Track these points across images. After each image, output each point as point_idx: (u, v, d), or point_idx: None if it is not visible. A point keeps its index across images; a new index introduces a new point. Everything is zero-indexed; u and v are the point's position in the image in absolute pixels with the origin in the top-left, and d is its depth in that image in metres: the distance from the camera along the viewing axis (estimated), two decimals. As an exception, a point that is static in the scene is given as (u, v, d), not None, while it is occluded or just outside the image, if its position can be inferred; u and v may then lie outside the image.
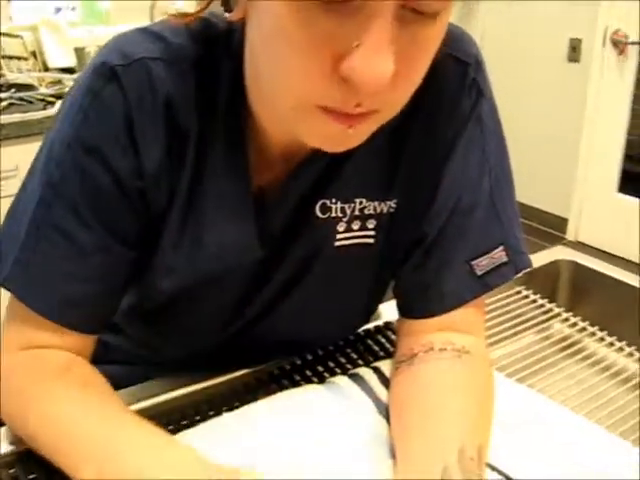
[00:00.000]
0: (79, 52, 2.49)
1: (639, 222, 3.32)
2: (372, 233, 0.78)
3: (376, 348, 0.91)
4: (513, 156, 0.81)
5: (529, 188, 3.74)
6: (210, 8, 0.65)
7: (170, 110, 0.68)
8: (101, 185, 0.68)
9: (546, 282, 1.17)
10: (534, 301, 1.13)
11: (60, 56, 2.46)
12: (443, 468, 0.63)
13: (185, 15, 0.67)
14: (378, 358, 0.88)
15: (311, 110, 0.57)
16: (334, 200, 0.74)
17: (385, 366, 0.83)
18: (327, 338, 0.90)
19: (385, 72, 0.52)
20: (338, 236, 0.77)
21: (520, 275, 0.81)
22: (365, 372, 0.82)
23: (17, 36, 2.41)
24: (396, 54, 0.52)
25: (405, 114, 0.64)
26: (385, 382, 0.80)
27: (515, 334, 1.04)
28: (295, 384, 0.83)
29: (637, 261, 3.29)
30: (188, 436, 0.72)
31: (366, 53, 0.51)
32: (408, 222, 0.78)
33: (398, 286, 0.83)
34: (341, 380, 0.81)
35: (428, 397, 0.73)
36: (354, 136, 0.59)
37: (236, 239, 0.74)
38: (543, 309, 1.12)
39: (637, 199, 3.41)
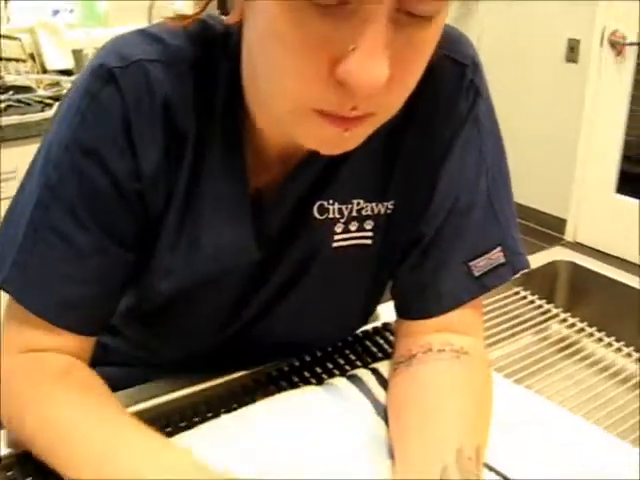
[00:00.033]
0: (77, 54, 2.49)
1: (637, 222, 3.32)
2: (370, 234, 0.78)
3: (374, 349, 0.91)
4: (511, 157, 0.81)
5: (527, 189, 3.74)
6: (207, 10, 0.65)
7: (168, 112, 0.68)
8: (99, 187, 0.68)
9: (544, 283, 1.17)
10: (532, 302, 1.13)
11: (58, 58, 2.45)
12: (442, 468, 0.63)
13: (182, 17, 0.67)
14: (376, 359, 0.88)
15: (307, 113, 0.57)
16: (331, 201, 0.75)
17: (383, 367, 0.83)
18: (325, 339, 0.90)
19: (380, 76, 0.52)
20: (336, 237, 0.77)
21: (518, 276, 0.81)
22: (363, 373, 0.82)
23: (15, 38, 2.41)
24: (391, 57, 0.52)
25: (402, 115, 0.64)
26: (383, 383, 0.80)
27: (513, 335, 1.04)
28: (293, 386, 0.83)
29: (635, 261, 3.29)
30: (186, 438, 0.72)
31: (361, 57, 0.51)
32: (406, 223, 0.78)
33: (395, 287, 0.83)
34: (339, 382, 0.81)
35: (426, 398, 0.73)
36: (350, 139, 0.59)
37: (233, 241, 0.74)
38: (541, 310, 1.12)
39: (635, 200, 3.42)
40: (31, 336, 0.71)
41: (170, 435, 0.72)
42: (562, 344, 1.03)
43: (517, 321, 1.07)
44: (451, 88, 0.75)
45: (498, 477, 0.69)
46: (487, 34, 3.92)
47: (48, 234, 0.68)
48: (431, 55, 0.58)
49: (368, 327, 0.95)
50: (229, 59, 0.68)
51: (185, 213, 0.72)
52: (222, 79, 0.69)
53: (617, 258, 3.38)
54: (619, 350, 1.04)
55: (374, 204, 0.77)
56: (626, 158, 3.49)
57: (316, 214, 0.75)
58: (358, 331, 0.94)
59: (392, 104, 0.59)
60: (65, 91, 0.72)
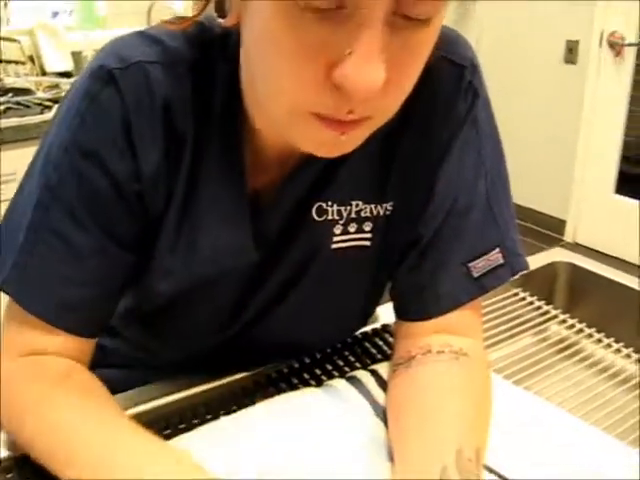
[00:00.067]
0: (76, 56, 2.49)
1: (637, 223, 3.32)
2: (368, 235, 0.78)
3: (373, 351, 0.91)
4: (510, 158, 0.81)
5: (526, 189, 3.74)
6: (206, 12, 0.65)
7: (168, 113, 0.68)
8: (99, 188, 0.68)
9: (543, 284, 1.17)
10: (531, 303, 1.13)
11: (57, 60, 2.46)
12: (441, 469, 0.63)
13: (180, 20, 0.67)
14: (376, 361, 0.88)
15: (304, 116, 0.57)
16: (330, 203, 0.75)
17: (383, 369, 0.83)
18: (324, 341, 0.90)
19: (376, 80, 0.52)
20: (335, 239, 0.77)
21: (517, 277, 0.80)
22: (363, 375, 0.82)
23: (14, 40, 2.41)
24: (387, 61, 0.52)
25: (400, 117, 0.64)
26: (383, 385, 0.80)
27: (512, 336, 1.04)
28: (293, 387, 0.83)
29: (635, 262, 3.29)
30: (186, 440, 0.72)
31: (358, 61, 0.51)
32: (404, 224, 0.78)
33: (394, 288, 0.83)
34: (339, 383, 0.81)
35: (426, 399, 0.73)
36: (347, 142, 0.59)
37: (232, 242, 0.74)
38: (540, 311, 1.12)
39: (634, 200, 3.42)
40: (31, 338, 0.71)
41: (169, 437, 0.72)
42: (561, 345, 1.03)
43: (516, 322, 1.07)
44: (449, 89, 0.75)
45: (497, 478, 0.69)
46: (486, 35, 3.92)
47: (48, 235, 0.69)
48: (428, 57, 0.58)
49: (367, 328, 0.95)
50: (227, 61, 0.68)
51: (184, 214, 0.72)
52: (220, 81, 0.69)
53: (616, 259, 3.38)
54: (618, 351, 1.04)
55: (373, 205, 0.77)
56: (625, 159, 3.49)
57: (315, 216, 0.75)
58: (357, 332, 0.94)
59: (389, 107, 0.59)
60: (64, 93, 0.72)
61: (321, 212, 0.75)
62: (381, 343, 0.92)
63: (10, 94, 2.19)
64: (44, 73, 2.44)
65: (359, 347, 0.92)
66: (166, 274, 0.75)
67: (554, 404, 0.83)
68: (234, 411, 0.77)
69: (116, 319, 0.80)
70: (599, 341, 1.06)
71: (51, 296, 0.70)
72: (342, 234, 0.77)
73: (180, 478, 0.61)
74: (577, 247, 3.65)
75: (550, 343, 1.03)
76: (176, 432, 0.74)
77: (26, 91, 2.26)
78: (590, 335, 1.07)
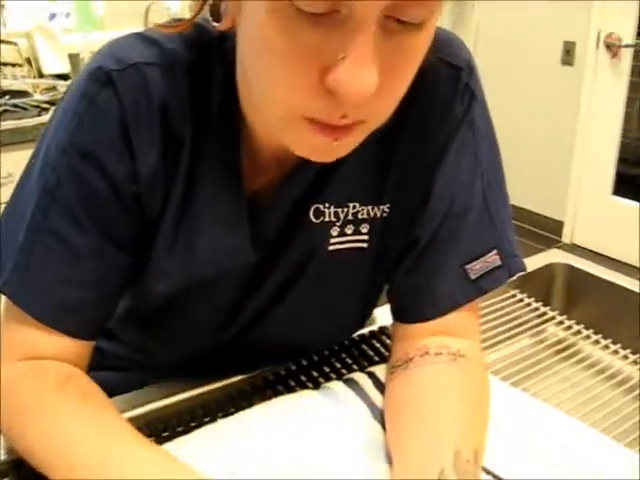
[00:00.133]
0: (73, 58, 2.49)
1: (634, 224, 3.33)
2: (365, 237, 0.78)
3: (371, 353, 0.91)
4: (507, 159, 0.81)
5: (524, 191, 3.75)
6: (202, 14, 0.65)
7: (165, 115, 0.68)
8: (97, 190, 0.68)
9: (541, 285, 1.17)
10: (529, 304, 1.13)
11: (54, 62, 2.46)
12: (439, 470, 0.63)
13: (176, 22, 0.67)
14: (373, 363, 0.88)
15: (297, 121, 0.57)
16: (327, 204, 0.75)
17: (380, 371, 0.83)
18: (322, 342, 0.90)
19: (369, 84, 0.52)
20: (332, 240, 0.77)
21: (515, 278, 0.80)
22: (360, 377, 0.82)
23: (11, 42, 2.41)
24: (381, 64, 0.52)
25: (397, 119, 0.64)
26: (380, 387, 0.80)
27: (510, 337, 1.04)
28: (290, 390, 0.82)
29: (632, 263, 3.30)
30: (184, 442, 0.72)
31: (351, 65, 0.51)
32: (402, 226, 0.78)
33: (392, 290, 0.83)
34: (336, 385, 0.81)
35: (424, 401, 0.73)
36: (340, 147, 0.59)
37: (229, 243, 0.74)
38: (538, 312, 1.12)
39: (632, 202, 3.42)
40: (30, 340, 0.71)
41: (167, 439, 0.72)
42: (559, 347, 1.04)
43: (514, 324, 1.08)
44: (446, 91, 0.75)
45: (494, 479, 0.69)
46: (483, 37, 3.93)
47: (47, 236, 0.69)
48: (422, 60, 0.58)
49: (365, 330, 0.95)
50: (224, 63, 0.68)
51: (181, 215, 0.72)
52: (217, 82, 0.69)
53: (614, 260, 3.38)
54: (616, 352, 1.04)
55: (370, 207, 0.77)
56: (622, 160, 3.50)
57: (312, 217, 0.75)
58: (355, 335, 0.94)
59: (382, 111, 0.59)
60: (61, 95, 0.72)
61: (318, 214, 0.75)
62: (378, 345, 0.92)
63: (7, 96, 2.19)
64: (41, 75, 2.44)
65: (356, 349, 0.92)
66: (164, 275, 0.75)
67: (552, 405, 0.83)
68: (232, 413, 0.77)
69: (114, 321, 0.80)
70: (597, 342, 1.06)
71: (50, 298, 0.70)
72: (339, 236, 0.77)
73: None
74: (574, 248, 3.66)
75: (548, 344, 1.03)
76: (174, 435, 0.74)
77: (23, 93, 2.26)
78: (588, 336, 1.07)
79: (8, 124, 2.01)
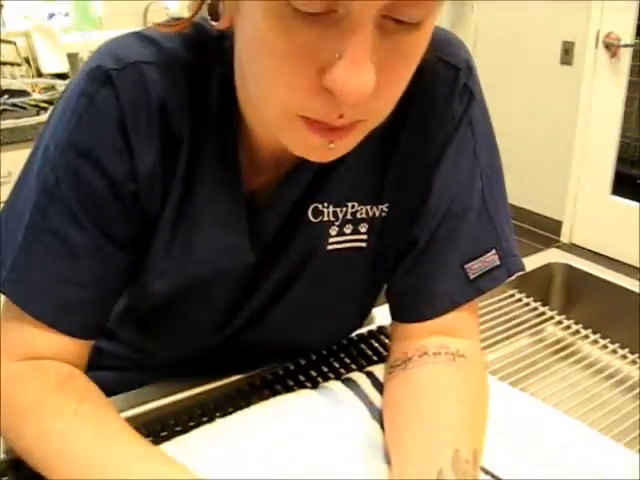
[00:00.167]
0: (72, 58, 2.49)
1: (633, 224, 3.33)
2: (364, 237, 0.78)
3: (369, 352, 0.91)
4: (506, 159, 0.81)
5: (523, 191, 3.75)
6: (201, 14, 0.65)
7: (164, 114, 0.68)
8: (95, 189, 0.68)
9: (539, 285, 1.17)
10: (527, 304, 1.13)
11: (53, 62, 2.46)
12: (438, 470, 0.63)
13: (175, 22, 0.67)
14: (371, 363, 0.87)
15: (294, 120, 0.57)
16: (326, 204, 0.75)
17: (378, 371, 0.83)
18: (320, 342, 0.90)
19: (366, 84, 0.52)
20: (330, 240, 0.77)
21: (513, 278, 0.80)
22: (358, 377, 0.82)
23: (10, 42, 2.41)
24: (378, 64, 0.52)
25: (396, 119, 0.64)
26: (379, 387, 0.80)
27: (508, 337, 1.04)
28: (288, 389, 0.82)
29: (631, 263, 3.30)
30: (182, 442, 0.72)
31: (347, 65, 0.51)
32: (400, 226, 0.78)
33: (390, 290, 0.83)
34: (334, 385, 0.81)
35: (422, 401, 0.73)
36: (337, 148, 0.59)
37: (228, 243, 0.74)
38: (536, 312, 1.12)
39: (631, 201, 3.42)
40: (30, 341, 0.71)
41: (165, 439, 0.72)
42: (557, 346, 1.04)
43: (512, 323, 1.08)
44: (445, 91, 0.75)
45: (493, 479, 0.69)
46: (482, 37, 3.93)
47: (46, 235, 0.68)
48: (420, 60, 0.58)
49: (363, 330, 0.95)
50: (223, 62, 0.68)
51: (180, 214, 0.72)
52: (216, 82, 0.69)
53: (613, 260, 3.39)
54: (614, 352, 1.04)
55: (369, 207, 0.77)
56: (621, 160, 3.50)
57: (310, 217, 0.75)
58: (353, 334, 0.94)
59: (380, 111, 0.59)
60: (60, 95, 0.72)
61: (317, 213, 0.75)
62: (377, 345, 0.92)
63: (6, 96, 2.19)
64: (40, 75, 2.44)
65: (355, 349, 0.92)
66: (162, 274, 0.75)
67: (550, 405, 0.83)
68: (230, 413, 0.77)
69: (112, 320, 0.80)
70: (595, 342, 1.06)
71: (49, 297, 0.70)
72: (338, 235, 0.77)
73: None
74: (573, 248, 3.66)
75: (546, 344, 1.03)
76: (172, 434, 0.74)
77: (22, 93, 2.26)
78: (586, 336, 1.07)
79: (7, 123, 2.01)
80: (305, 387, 0.83)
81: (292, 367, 0.87)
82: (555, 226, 3.80)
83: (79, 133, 0.67)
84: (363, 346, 0.92)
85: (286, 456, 0.70)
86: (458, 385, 0.74)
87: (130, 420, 0.69)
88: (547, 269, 1.19)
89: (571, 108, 3.59)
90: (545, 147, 3.79)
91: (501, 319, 1.08)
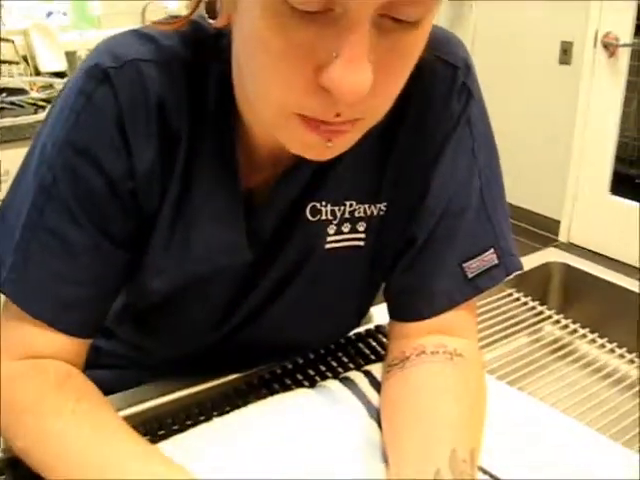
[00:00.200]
0: (70, 56, 2.49)
1: (631, 223, 3.33)
2: (362, 236, 0.78)
3: (367, 351, 0.91)
4: (505, 158, 0.81)
5: (521, 190, 3.75)
6: (198, 12, 0.65)
7: (162, 111, 0.68)
8: (93, 187, 0.68)
9: (537, 284, 1.17)
10: (525, 303, 1.13)
11: (51, 60, 2.45)
12: (435, 470, 0.63)
13: (173, 19, 0.67)
14: (369, 361, 0.87)
15: (290, 118, 0.57)
16: (324, 203, 0.75)
17: (376, 370, 0.83)
18: (318, 341, 0.90)
19: (363, 83, 0.52)
20: (328, 238, 0.77)
21: (511, 277, 0.80)
22: (356, 376, 0.82)
23: (8, 40, 2.41)
24: (375, 63, 0.52)
25: (394, 117, 0.64)
26: (376, 386, 0.80)
27: (506, 336, 1.04)
28: (286, 388, 0.82)
29: (630, 263, 3.30)
30: (179, 441, 0.71)
31: (344, 64, 0.51)
32: (398, 224, 0.78)
33: (388, 289, 0.83)
34: (332, 384, 0.81)
35: (420, 400, 0.73)
36: (335, 147, 0.59)
37: (225, 241, 0.74)
38: (534, 311, 1.12)
39: (629, 201, 3.42)
40: (29, 339, 0.71)
41: (163, 438, 0.72)
42: (555, 345, 1.04)
43: (510, 323, 1.07)
44: (443, 90, 0.75)
45: (491, 479, 0.69)
46: (481, 36, 3.93)
47: (43, 235, 0.68)
48: (418, 59, 0.58)
49: (361, 329, 0.95)
50: (220, 60, 0.68)
51: (178, 212, 0.72)
52: (213, 80, 0.69)
53: (611, 259, 3.39)
54: (612, 351, 1.04)
55: (367, 206, 0.77)
56: (619, 159, 3.50)
57: (308, 215, 0.75)
58: (351, 333, 0.94)
59: (377, 109, 0.59)
60: (58, 93, 0.72)
61: (315, 212, 0.75)
62: (375, 344, 0.92)
63: (4, 94, 2.19)
64: (38, 73, 2.44)
65: (352, 348, 0.91)
66: (159, 272, 0.75)
67: (548, 404, 0.83)
68: (227, 412, 0.77)
69: (110, 318, 0.80)
70: (593, 341, 1.06)
71: (47, 296, 0.70)
72: (336, 234, 0.77)
73: None
74: (571, 247, 3.66)
75: (544, 343, 1.03)
76: (169, 433, 0.74)
77: (20, 91, 2.26)
78: (584, 335, 1.07)
79: (5, 122, 2.01)
80: (303, 386, 0.83)
81: (290, 366, 0.87)
82: (553, 225, 3.80)
83: (77, 131, 0.67)
84: (361, 345, 0.92)
85: (284, 455, 0.70)
86: (456, 384, 0.74)
87: (128, 419, 0.69)
88: (545, 268, 1.19)
89: (570, 108, 3.59)
90: (543, 146, 3.79)
91: (499, 318, 1.08)
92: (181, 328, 0.83)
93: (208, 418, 0.76)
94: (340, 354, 0.90)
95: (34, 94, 2.25)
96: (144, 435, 0.71)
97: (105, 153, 0.67)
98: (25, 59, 2.45)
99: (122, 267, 0.73)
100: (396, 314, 0.82)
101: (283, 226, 0.75)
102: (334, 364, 0.88)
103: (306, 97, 0.54)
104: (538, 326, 1.08)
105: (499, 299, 1.12)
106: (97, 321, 0.75)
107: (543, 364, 0.98)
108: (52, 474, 0.64)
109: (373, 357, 0.89)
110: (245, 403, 0.78)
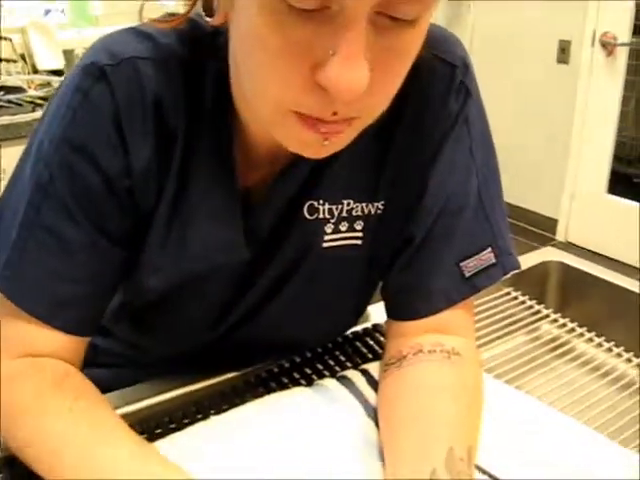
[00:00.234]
0: (68, 54, 2.49)
1: (629, 223, 3.33)
2: (360, 234, 0.78)
3: (364, 350, 0.91)
4: (503, 157, 0.81)
5: (519, 189, 3.75)
6: (195, 10, 0.65)
7: (159, 109, 0.68)
8: (90, 184, 0.68)
9: (535, 283, 1.17)
10: (523, 302, 1.13)
11: (49, 58, 2.45)
12: (432, 469, 0.63)
13: (170, 17, 0.67)
14: (366, 360, 0.87)
15: (287, 115, 0.57)
16: (322, 201, 0.74)
17: (373, 368, 0.83)
18: (315, 339, 0.90)
19: (360, 81, 0.52)
20: (326, 237, 0.77)
21: (509, 276, 0.80)
22: (353, 374, 0.82)
23: (6, 38, 2.40)
24: (372, 61, 0.52)
25: (390, 116, 0.64)
26: (373, 384, 0.80)
27: (504, 335, 1.04)
28: (283, 387, 0.82)
29: (627, 262, 3.30)
30: (176, 439, 0.71)
31: (341, 62, 0.51)
32: (396, 223, 0.78)
33: (386, 287, 0.83)
34: (329, 383, 0.81)
35: (417, 399, 0.73)
36: (331, 145, 0.59)
37: (222, 238, 0.74)
38: (532, 310, 1.12)
39: (626, 200, 3.43)
40: (26, 338, 0.71)
41: (160, 436, 0.72)
42: (553, 344, 1.04)
43: (508, 322, 1.08)
44: (441, 89, 0.75)
45: (489, 478, 0.69)
46: (479, 36, 3.93)
47: (40, 233, 0.68)
48: (416, 57, 0.58)
49: (358, 328, 0.95)
50: (218, 58, 0.68)
51: (174, 210, 0.72)
52: (210, 77, 0.69)
53: (608, 258, 3.39)
54: (610, 350, 1.04)
55: (364, 204, 0.77)
56: (617, 158, 3.51)
57: (306, 214, 0.74)
58: (348, 332, 0.94)
59: (374, 107, 0.59)
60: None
61: (312, 210, 0.75)
62: (372, 342, 0.92)
63: (2, 92, 2.19)
64: (36, 71, 2.44)
65: (350, 346, 0.91)
66: (156, 270, 0.75)
67: (546, 403, 0.83)
68: (224, 410, 0.76)
69: (107, 317, 0.80)
70: (590, 340, 1.06)
71: (44, 293, 0.70)
72: (333, 233, 0.77)
73: None
74: (569, 246, 3.66)
75: (542, 342, 1.03)
76: (166, 432, 0.74)
77: (18, 89, 2.26)
78: (582, 334, 1.07)
79: (2, 120, 2.01)
80: (300, 385, 0.83)
81: (287, 365, 0.87)
82: (551, 224, 3.81)
83: (74, 129, 0.67)
84: (358, 344, 0.92)
85: (281, 454, 0.70)
86: (453, 383, 0.74)
87: (125, 417, 0.69)
88: (543, 267, 1.20)
89: (567, 107, 3.60)
90: (541, 146, 3.79)
91: (497, 317, 1.08)
92: (178, 326, 0.83)
93: (205, 416, 0.76)
94: (337, 353, 0.90)
95: (32, 92, 2.25)
96: (141, 433, 0.70)
97: (102, 150, 0.67)
98: (23, 57, 2.45)
99: (119, 265, 0.73)
100: (393, 313, 0.82)
101: (280, 224, 0.75)
102: (331, 363, 0.88)
103: (303, 95, 0.54)
104: (536, 325, 1.08)
105: (497, 298, 1.12)
106: (94, 319, 0.75)
107: (541, 363, 0.98)
108: (49, 472, 0.64)
109: (370, 356, 0.89)
110: (242, 401, 0.78)
